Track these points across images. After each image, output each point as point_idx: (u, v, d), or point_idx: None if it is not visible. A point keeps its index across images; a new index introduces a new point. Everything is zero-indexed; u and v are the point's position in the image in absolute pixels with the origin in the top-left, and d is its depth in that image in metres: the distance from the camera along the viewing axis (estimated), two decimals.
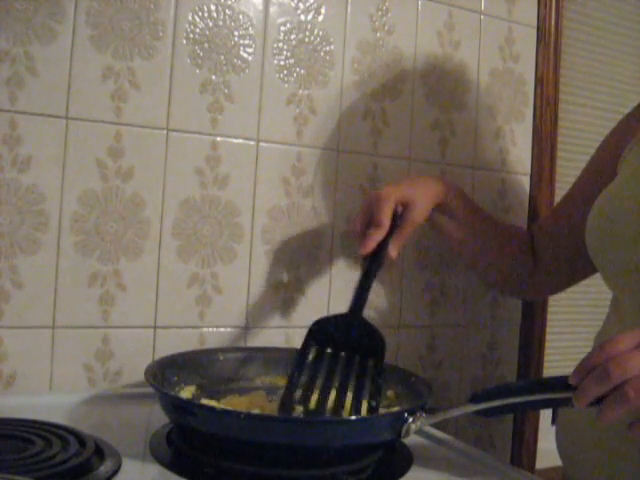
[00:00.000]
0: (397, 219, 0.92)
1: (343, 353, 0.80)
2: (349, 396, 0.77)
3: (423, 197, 0.94)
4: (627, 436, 0.62)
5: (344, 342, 0.81)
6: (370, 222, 0.91)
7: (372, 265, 0.89)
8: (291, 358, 0.89)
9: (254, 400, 0.84)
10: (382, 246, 0.89)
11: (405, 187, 0.94)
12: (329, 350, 0.80)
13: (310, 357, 0.80)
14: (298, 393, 0.78)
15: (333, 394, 0.77)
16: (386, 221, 0.89)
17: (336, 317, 0.84)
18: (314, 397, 0.77)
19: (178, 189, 0.99)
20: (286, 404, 0.77)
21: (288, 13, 1.05)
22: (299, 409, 0.77)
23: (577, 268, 0.98)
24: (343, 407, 0.76)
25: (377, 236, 0.89)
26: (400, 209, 0.93)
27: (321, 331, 0.83)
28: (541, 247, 1.03)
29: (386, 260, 0.91)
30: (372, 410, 0.75)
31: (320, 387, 0.77)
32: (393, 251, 0.91)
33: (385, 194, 0.91)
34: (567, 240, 0.97)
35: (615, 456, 0.75)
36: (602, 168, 0.92)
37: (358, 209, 1.05)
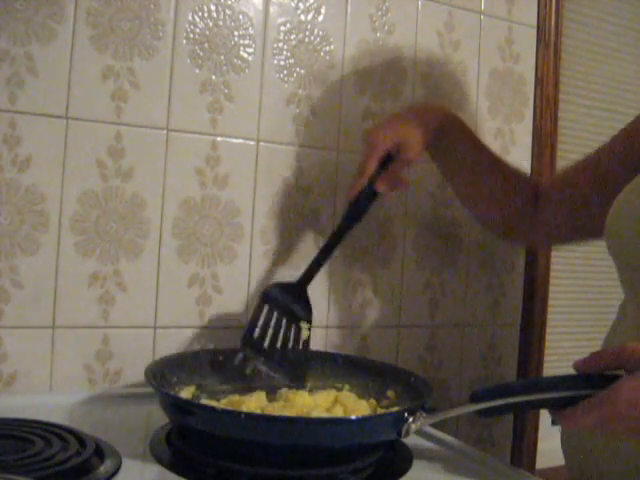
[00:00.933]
0: (388, 161, 0.93)
1: (284, 319, 0.93)
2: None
3: (416, 134, 0.94)
4: (635, 440, 0.62)
5: (287, 309, 0.93)
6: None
7: (347, 218, 0.95)
8: (290, 358, 0.91)
9: (254, 400, 0.84)
10: (366, 197, 0.93)
11: (397, 126, 0.95)
12: (275, 312, 0.92)
13: (264, 313, 0.92)
14: (256, 333, 0.91)
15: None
16: (370, 167, 0.92)
17: (287, 284, 0.95)
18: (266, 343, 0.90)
19: (178, 189, 0.99)
20: (247, 338, 0.91)
21: (288, 13, 1.05)
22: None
23: (580, 227, 0.94)
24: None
25: (359, 183, 0.92)
26: (394, 149, 0.93)
27: (272, 295, 0.94)
28: (545, 198, 0.99)
29: (375, 201, 0.94)
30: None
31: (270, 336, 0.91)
32: (380, 186, 0.92)
33: (374, 140, 0.93)
34: (572, 201, 0.94)
35: (622, 461, 0.75)
36: (630, 151, 0.90)
37: None
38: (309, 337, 0.92)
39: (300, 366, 0.92)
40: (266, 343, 0.91)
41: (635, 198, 0.79)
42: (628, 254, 0.78)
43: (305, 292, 0.94)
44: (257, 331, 0.91)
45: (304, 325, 0.92)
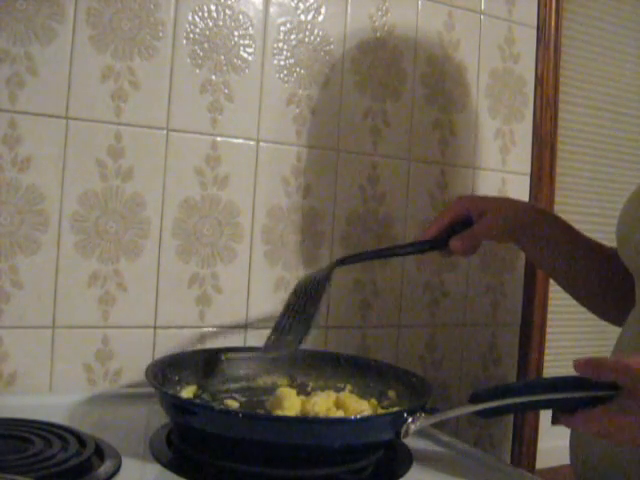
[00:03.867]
0: (467, 222, 0.91)
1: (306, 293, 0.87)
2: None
3: (499, 210, 0.92)
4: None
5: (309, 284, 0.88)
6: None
7: (411, 246, 0.94)
8: (292, 358, 0.91)
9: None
10: (438, 240, 0.91)
11: (483, 198, 0.95)
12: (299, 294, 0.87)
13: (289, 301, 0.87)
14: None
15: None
16: (447, 213, 0.91)
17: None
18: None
19: (178, 189, 0.99)
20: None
21: (288, 13, 1.05)
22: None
23: None
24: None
25: (437, 221, 0.91)
26: (476, 216, 0.91)
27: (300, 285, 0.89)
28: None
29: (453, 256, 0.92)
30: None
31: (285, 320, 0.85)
32: (455, 242, 0.89)
33: (461, 196, 0.95)
34: None
35: (632, 465, 0.74)
36: None
37: (360, 209, 1.06)
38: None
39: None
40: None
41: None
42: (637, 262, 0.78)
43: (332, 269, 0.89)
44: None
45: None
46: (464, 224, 0.91)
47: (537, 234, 0.94)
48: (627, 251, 0.81)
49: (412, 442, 0.80)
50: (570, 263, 0.96)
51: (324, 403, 0.82)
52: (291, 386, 0.88)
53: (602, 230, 1.42)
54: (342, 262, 0.91)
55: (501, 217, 0.91)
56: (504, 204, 0.95)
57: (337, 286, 1.10)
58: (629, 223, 0.80)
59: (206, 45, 0.99)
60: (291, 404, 0.80)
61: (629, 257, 0.80)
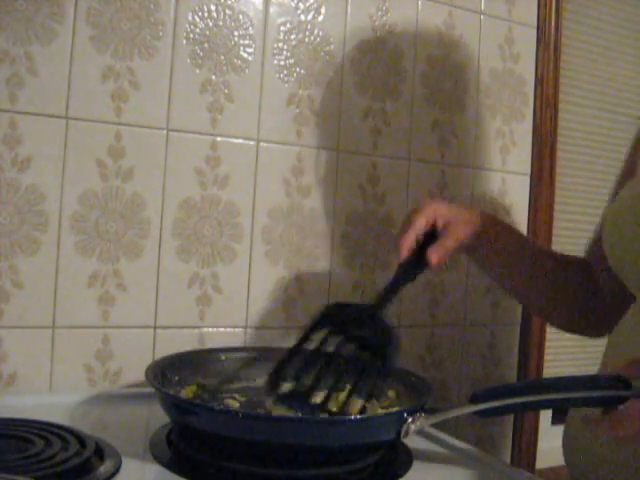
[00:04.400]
0: (438, 232, 0.87)
1: (352, 345, 0.76)
2: (345, 391, 0.75)
3: (465, 219, 0.89)
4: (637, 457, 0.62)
5: (354, 334, 0.78)
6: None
7: (402, 275, 0.84)
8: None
9: None
10: (419, 256, 0.85)
11: (447, 206, 0.90)
12: (337, 337, 0.77)
13: (315, 338, 0.77)
14: (291, 371, 0.76)
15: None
16: (418, 223, 0.85)
17: (355, 305, 0.82)
18: (308, 381, 0.75)
19: (178, 189, 0.99)
20: (274, 378, 0.76)
21: (288, 13, 1.05)
22: (287, 386, 0.75)
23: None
24: (334, 400, 0.74)
25: (407, 239, 0.84)
26: (441, 224, 0.87)
27: (333, 315, 0.80)
28: (598, 274, 0.91)
29: (427, 268, 0.85)
30: (362, 411, 0.73)
31: (316, 374, 0.75)
32: (431, 255, 0.84)
33: (424, 205, 0.88)
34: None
35: (624, 466, 0.74)
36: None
37: (360, 209, 1.06)
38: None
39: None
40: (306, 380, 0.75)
41: (626, 211, 0.79)
42: (628, 264, 0.78)
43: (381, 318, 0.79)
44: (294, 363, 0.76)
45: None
46: (427, 235, 0.87)
47: (495, 242, 0.92)
48: (613, 249, 0.80)
49: (412, 442, 0.80)
50: (524, 271, 0.94)
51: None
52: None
53: None
54: (379, 307, 0.80)
55: (466, 225, 0.88)
56: (465, 212, 0.92)
57: (337, 286, 1.10)
58: (628, 240, 0.78)
59: (206, 45, 0.99)
60: None
61: (616, 255, 0.80)
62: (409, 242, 0.84)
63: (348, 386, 0.76)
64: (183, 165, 0.99)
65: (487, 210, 1.19)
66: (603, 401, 0.62)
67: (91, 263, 0.94)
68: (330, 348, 0.76)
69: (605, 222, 0.82)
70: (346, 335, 0.77)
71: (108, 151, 0.94)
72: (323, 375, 0.75)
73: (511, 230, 0.96)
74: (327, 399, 0.74)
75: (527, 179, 1.27)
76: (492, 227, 0.91)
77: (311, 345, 0.77)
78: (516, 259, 0.94)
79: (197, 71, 0.99)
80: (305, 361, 0.76)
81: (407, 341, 1.16)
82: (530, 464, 1.30)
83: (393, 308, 1.14)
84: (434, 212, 0.87)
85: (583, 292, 0.93)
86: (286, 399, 0.74)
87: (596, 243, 0.91)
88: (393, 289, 0.83)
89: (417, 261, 0.84)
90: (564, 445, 0.84)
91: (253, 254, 1.04)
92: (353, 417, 0.76)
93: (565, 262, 0.96)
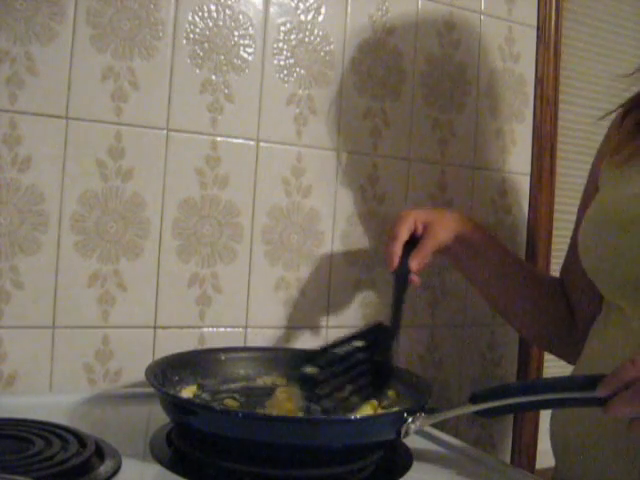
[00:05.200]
0: (418, 238, 0.93)
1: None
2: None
3: (443, 220, 0.95)
4: (621, 436, 0.62)
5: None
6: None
7: (398, 284, 0.92)
8: (291, 358, 0.92)
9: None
10: (406, 263, 0.91)
11: (425, 210, 0.96)
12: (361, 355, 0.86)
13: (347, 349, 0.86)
14: (321, 361, 0.84)
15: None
16: (401, 233, 0.91)
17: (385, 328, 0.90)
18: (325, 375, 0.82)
19: (178, 189, 0.99)
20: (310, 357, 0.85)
21: (288, 13, 1.05)
22: (310, 369, 0.83)
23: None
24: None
25: (394, 248, 0.90)
26: (421, 229, 0.93)
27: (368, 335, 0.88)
28: (573, 295, 0.95)
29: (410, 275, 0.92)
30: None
31: (332, 372, 0.83)
32: (412, 263, 0.91)
33: (404, 213, 0.94)
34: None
35: (608, 455, 0.75)
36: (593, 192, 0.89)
37: (360, 209, 1.06)
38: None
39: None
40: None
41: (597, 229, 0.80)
42: (602, 268, 0.79)
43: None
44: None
45: (390, 392, 0.85)
46: (409, 243, 0.93)
47: (474, 245, 0.96)
48: (590, 261, 0.82)
49: (412, 442, 0.80)
50: (502, 280, 0.98)
51: None
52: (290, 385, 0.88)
53: None
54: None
55: (444, 227, 0.94)
56: (445, 215, 0.97)
57: (337, 286, 1.10)
58: (603, 252, 0.79)
59: (206, 45, 0.99)
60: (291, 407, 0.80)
61: (593, 267, 0.81)
62: (396, 252, 0.90)
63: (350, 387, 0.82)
64: (183, 165, 0.99)
65: (487, 210, 1.20)
66: (602, 401, 0.62)
67: (91, 263, 0.94)
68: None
69: (581, 229, 0.83)
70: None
71: (108, 151, 0.94)
72: (338, 375, 0.83)
73: (491, 237, 1.01)
74: (330, 393, 0.80)
75: (527, 179, 1.27)
76: (472, 231, 0.96)
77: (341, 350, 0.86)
78: (493, 266, 0.98)
79: (197, 71, 0.99)
80: (332, 360, 0.85)
81: (407, 341, 1.16)
82: (530, 464, 1.30)
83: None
84: (414, 219, 0.93)
85: (555, 309, 0.97)
86: (301, 379, 0.83)
87: (569, 255, 0.96)
88: (398, 302, 0.91)
89: (407, 268, 0.91)
90: (550, 425, 0.85)
91: (253, 254, 1.04)
92: (353, 417, 0.76)
93: (541, 278, 1.01)
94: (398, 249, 0.91)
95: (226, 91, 1.01)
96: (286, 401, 0.82)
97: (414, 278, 0.91)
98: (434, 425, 0.78)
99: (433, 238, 0.92)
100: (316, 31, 1.07)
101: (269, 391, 0.86)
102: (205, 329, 1.01)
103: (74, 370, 0.93)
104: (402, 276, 0.91)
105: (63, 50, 0.91)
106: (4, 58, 0.87)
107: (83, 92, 0.92)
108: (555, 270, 1.33)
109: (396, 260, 0.90)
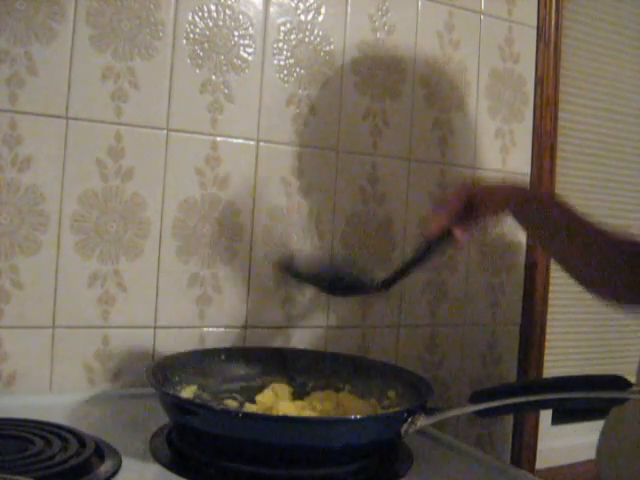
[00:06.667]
0: (470, 210, 0.89)
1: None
2: None
3: (499, 193, 0.90)
4: None
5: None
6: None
7: (430, 246, 0.91)
8: (291, 358, 0.92)
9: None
10: (447, 234, 0.89)
11: (483, 185, 0.94)
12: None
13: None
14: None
15: None
16: (454, 207, 0.88)
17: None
18: None
19: (178, 189, 0.99)
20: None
21: (288, 13, 1.05)
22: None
23: None
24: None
25: (440, 217, 0.88)
26: (476, 201, 0.89)
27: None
28: None
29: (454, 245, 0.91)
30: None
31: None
32: (457, 231, 0.88)
33: (462, 185, 0.92)
34: None
35: None
36: None
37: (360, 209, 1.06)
38: None
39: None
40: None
41: None
42: None
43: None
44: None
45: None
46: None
47: (539, 219, 0.90)
48: None
49: (412, 442, 0.80)
50: (574, 250, 0.89)
51: (323, 403, 0.82)
52: (290, 385, 0.88)
53: None
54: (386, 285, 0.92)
55: (499, 201, 0.89)
56: (503, 188, 0.93)
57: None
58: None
59: (206, 45, 0.99)
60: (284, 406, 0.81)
61: None
62: (442, 220, 0.88)
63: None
64: (183, 165, 0.99)
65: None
66: (602, 401, 0.62)
67: (91, 263, 0.94)
68: None
69: None
70: None
71: (108, 151, 0.94)
72: None
73: (564, 210, 0.90)
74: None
75: (527, 179, 1.27)
76: (537, 202, 0.90)
77: None
78: (564, 238, 0.89)
79: (197, 71, 0.99)
80: None
81: (407, 341, 1.16)
82: (530, 464, 1.30)
83: (393, 308, 1.14)
84: (468, 191, 0.89)
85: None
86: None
87: None
88: (410, 264, 0.92)
89: (444, 238, 0.89)
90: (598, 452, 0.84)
91: (253, 254, 1.04)
92: (353, 417, 0.76)
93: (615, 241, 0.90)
94: (444, 220, 0.88)
95: (226, 91, 1.01)
96: (276, 396, 0.83)
97: (456, 234, 0.89)
98: (434, 425, 0.78)
99: (485, 210, 0.89)
100: (316, 31, 1.07)
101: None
102: (205, 329, 1.01)
103: (74, 370, 0.93)
104: (434, 245, 0.90)
105: (63, 50, 0.91)
106: (4, 58, 0.87)
107: (83, 92, 0.92)
108: (555, 270, 1.33)
109: (436, 229, 0.88)
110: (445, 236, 0.89)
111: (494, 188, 0.93)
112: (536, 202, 0.91)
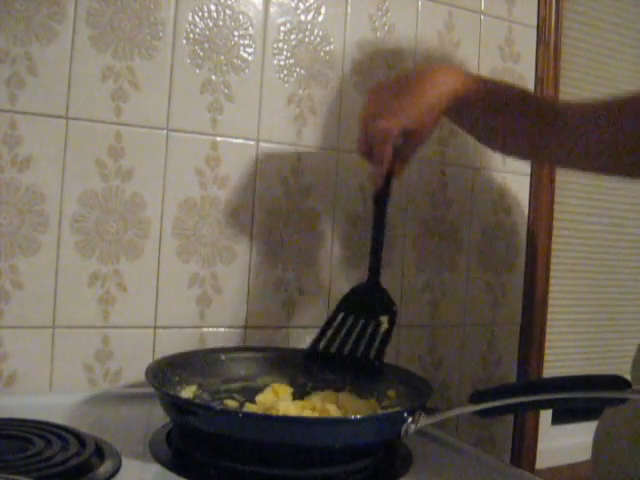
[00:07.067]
0: (398, 150, 0.87)
1: (362, 320, 0.90)
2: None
3: (427, 118, 0.86)
4: None
5: (364, 308, 0.90)
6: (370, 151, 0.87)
7: (380, 213, 0.92)
8: (291, 358, 0.92)
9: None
10: (388, 180, 0.90)
11: (405, 112, 0.85)
12: (351, 317, 0.90)
13: (337, 321, 0.90)
14: (322, 344, 0.90)
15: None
16: (387, 156, 0.85)
17: (358, 287, 0.93)
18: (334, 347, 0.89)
19: (178, 189, 0.99)
20: (312, 351, 0.90)
21: (288, 13, 1.05)
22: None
23: None
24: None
25: (381, 173, 0.88)
26: (401, 140, 0.87)
27: (346, 300, 0.92)
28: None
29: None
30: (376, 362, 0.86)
31: (339, 340, 0.89)
32: (398, 172, 0.90)
33: (385, 129, 0.84)
34: None
35: None
36: None
37: (360, 209, 1.06)
38: (389, 330, 0.87)
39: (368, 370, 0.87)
40: (334, 347, 0.89)
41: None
42: None
43: (379, 286, 0.91)
44: (324, 342, 0.89)
45: (383, 319, 0.88)
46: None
47: (480, 110, 0.90)
48: None
49: (412, 442, 0.80)
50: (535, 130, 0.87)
51: (323, 403, 0.82)
52: (291, 385, 0.88)
53: (603, 230, 1.42)
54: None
55: (426, 132, 0.88)
56: (424, 112, 0.86)
57: (337, 286, 1.10)
58: None
59: (206, 45, 0.99)
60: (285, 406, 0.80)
61: None
62: (381, 170, 0.88)
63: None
64: (183, 165, 0.99)
65: (487, 210, 1.19)
66: (602, 401, 0.62)
67: (91, 263, 0.94)
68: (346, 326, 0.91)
69: None
70: (357, 311, 0.90)
71: (108, 151, 0.94)
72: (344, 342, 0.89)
73: (502, 90, 0.89)
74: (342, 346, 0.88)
75: (527, 179, 1.27)
76: (471, 99, 0.87)
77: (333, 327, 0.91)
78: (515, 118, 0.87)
79: (197, 71, 0.99)
80: (330, 337, 0.90)
81: (407, 341, 1.16)
82: (530, 464, 1.30)
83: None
84: (393, 138, 0.85)
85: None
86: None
87: None
88: (379, 230, 0.91)
89: (389, 184, 0.90)
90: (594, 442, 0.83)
91: (253, 254, 1.04)
92: (353, 417, 0.76)
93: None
94: (383, 172, 0.88)
95: (226, 91, 1.01)
96: (276, 396, 0.83)
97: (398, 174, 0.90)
98: (434, 425, 0.78)
99: (414, 147, 0.89)
100: (316, 31, 1.07)
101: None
102: (205, 329, 1.01)
103: (74, 370, 0.93)
104: (383, 200, 0.90)
105: (63, 50, 0.91)
106: (4, 58, 0.87)
107: (83, 92, 0.92)
108: (555, 270, 1.33)
109: (381, 182, 0.89)
110: (389, 181, 0.90)
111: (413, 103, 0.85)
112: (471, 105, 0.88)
